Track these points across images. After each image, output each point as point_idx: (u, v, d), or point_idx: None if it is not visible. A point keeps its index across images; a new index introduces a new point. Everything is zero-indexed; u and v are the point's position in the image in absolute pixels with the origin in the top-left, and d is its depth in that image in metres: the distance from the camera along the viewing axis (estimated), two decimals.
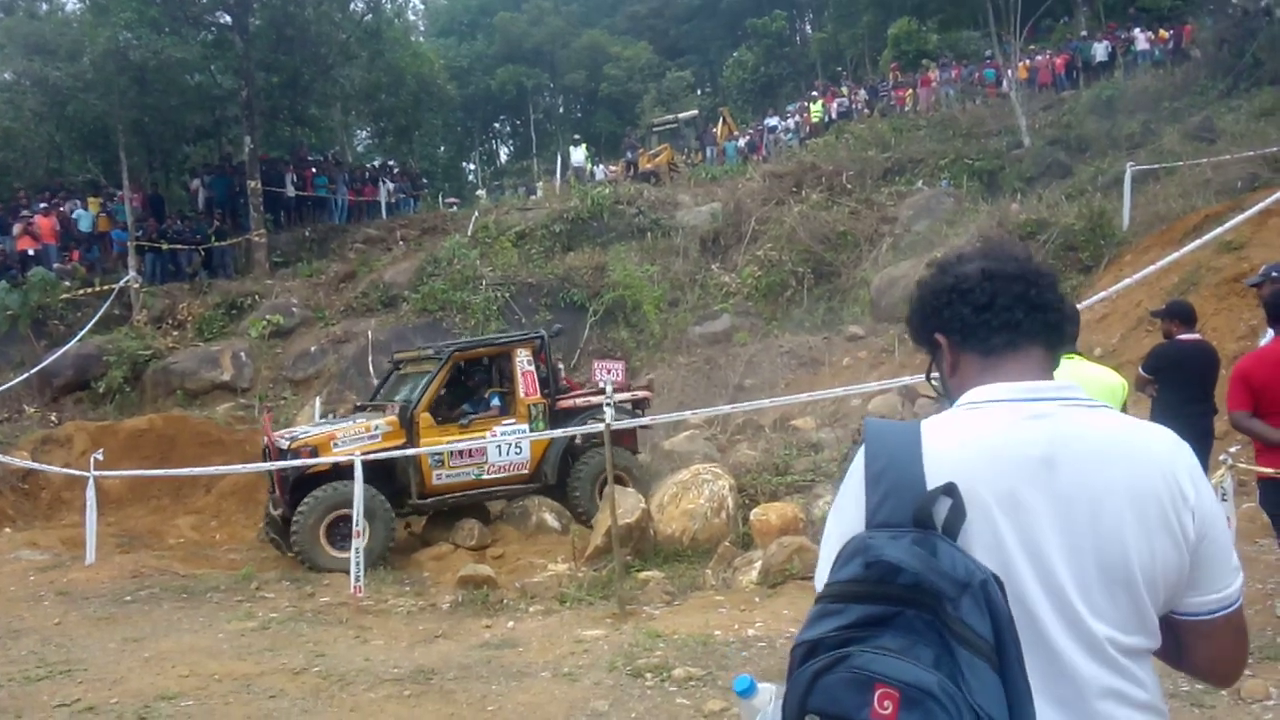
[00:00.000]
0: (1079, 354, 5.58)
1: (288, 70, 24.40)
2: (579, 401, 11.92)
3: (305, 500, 10.49)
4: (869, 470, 1.55)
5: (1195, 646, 1.65)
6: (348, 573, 9.76)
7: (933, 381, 1.86)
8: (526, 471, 11.39)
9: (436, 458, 11.06)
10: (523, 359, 11.55)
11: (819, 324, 17.12)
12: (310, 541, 10.36)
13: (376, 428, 11.19)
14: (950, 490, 1.47)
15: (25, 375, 17.74)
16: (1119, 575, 1.53)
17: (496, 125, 52.74)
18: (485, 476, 11.23)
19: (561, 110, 51.83)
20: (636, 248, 20.34)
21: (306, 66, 24.51)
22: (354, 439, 11.01)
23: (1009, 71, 24.92)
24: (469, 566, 9.79)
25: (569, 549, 10.71)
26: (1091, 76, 27.24)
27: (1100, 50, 27.93)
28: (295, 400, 17.51)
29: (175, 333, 19.86)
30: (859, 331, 15.96)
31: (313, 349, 18.93)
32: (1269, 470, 5.33)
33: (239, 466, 10.64)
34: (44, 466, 12.96)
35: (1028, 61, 27.39)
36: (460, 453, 11.14)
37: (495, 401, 11.64)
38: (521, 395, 11.44)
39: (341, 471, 10.41)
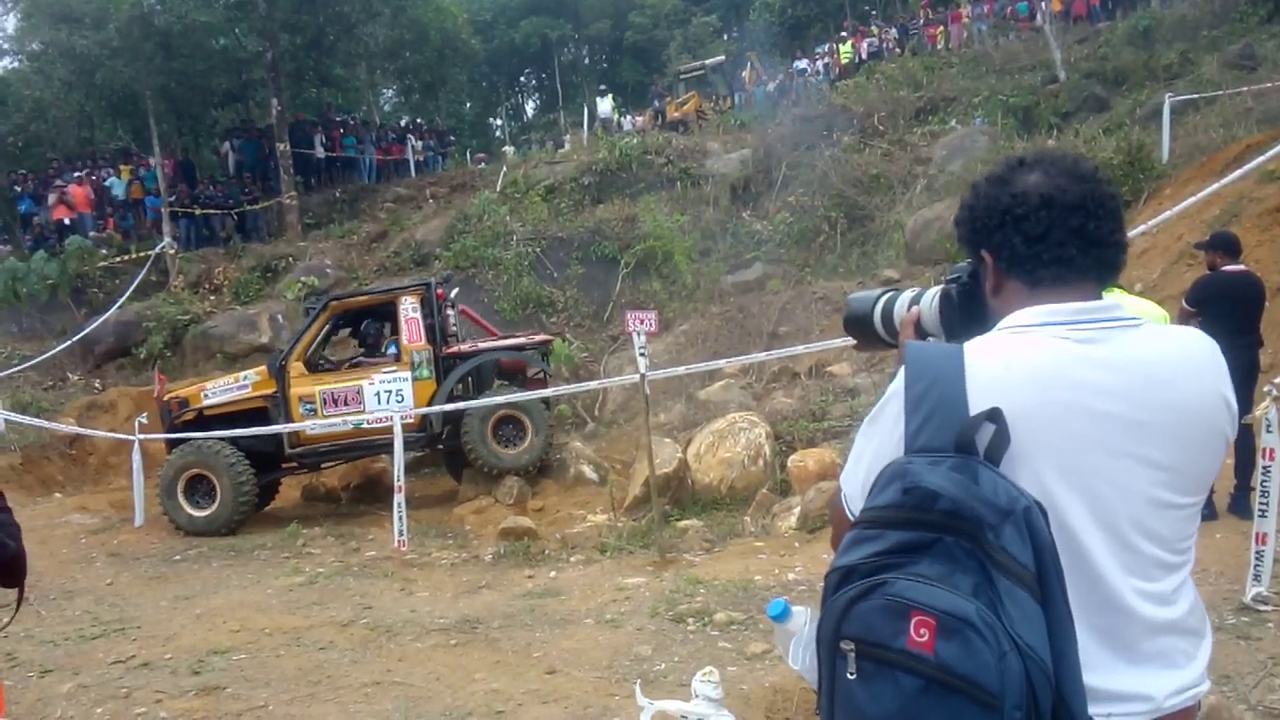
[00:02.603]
0: (1120, 287, 5.49)
1: (311, 30, 24.31)
2: (465, 348, 11.72)
3: (168, 457, 10.69)
4: (909, 393, 1.50)
5: None
6: (209, 535, 10.20)
7: (957, 284, 1.78)
8: (411, 420, 10.83)
9: (308, 406, 10.95)
10: (407, 307, 11.28)
11: (853, 269, 16.93)
12: (169, 500, 10.55)
13: (245, 379, 11.34)
14: (994, 415, 1.44)
15: (68, 343, 18.06)
16: (1165, 496, 1.51)
17: (522, 79, 52.27)
18: (367, 426, 10.88)
19: (587, 61, 51.21)
20: (666, 198, 20.16)
21: (330, 25, 24.42)
22: (223, 390, 11.24)
23: (1043, 4, 24.31)
24: (510, 519, 9.91)
25: (607, 500, 10.80)
26: (1128, 7, 26.52)
27: None
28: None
29: (212, 297, 20.08)
30: (894, 275, 15.77)
31: None
32: None
33: (279, 427, 10.75)
34: (90, 431, 13.21)
35: None
36: (334, 401, 10.99)
37: (392, 350, 11.46)
38: (405, 343, 11.21)
39: (215, 427, 10.73)
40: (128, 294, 19.26)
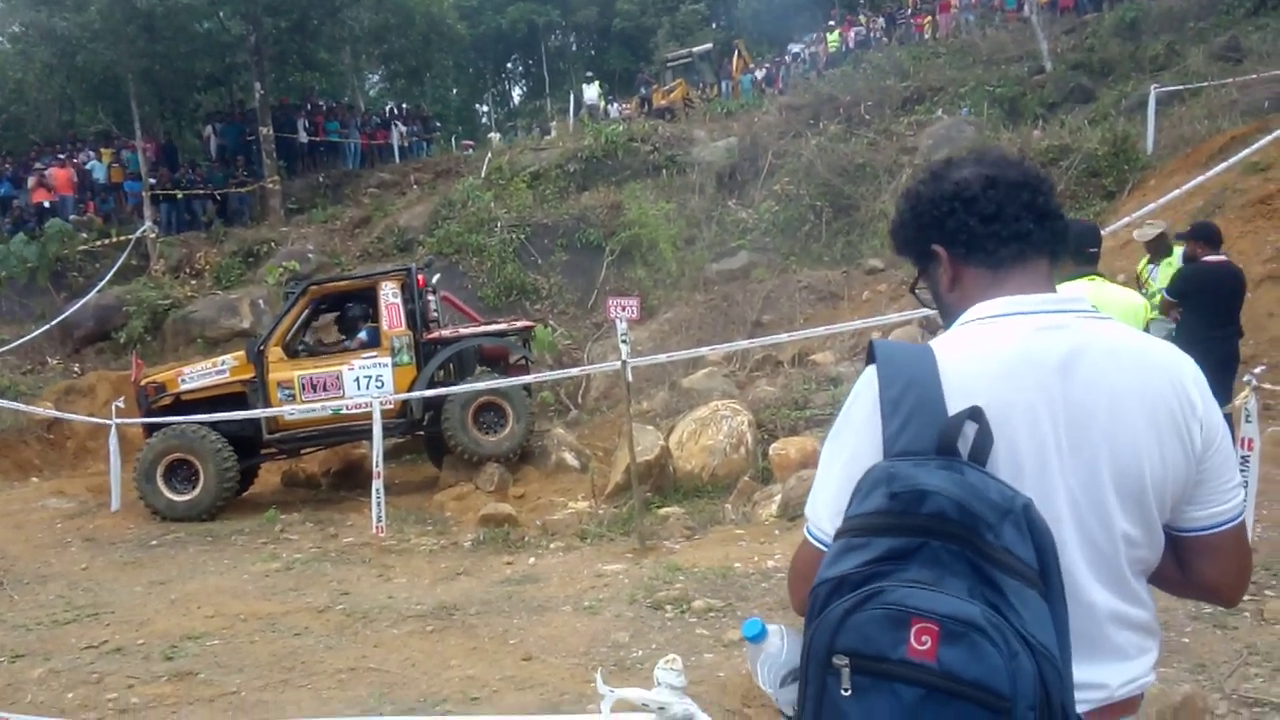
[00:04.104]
0: (1101, 275, 5.48)
1: (295, 13, 24.12)
2: (446, 333, 11.71)
3: (147, 442, 10.61)
4: (884, 395, 1.46)
5: (1198, 564, 1.60)
6: (189, 520, 10.08)
7: (918, 294, 1.79)
8: (391, 407, 10.80)
9: (286, 392, 10.90)
10: (388, 292, 11.22)
11: (838, 258, 16.92)
12: (148, 485, 10.47)
13: (223, 363, 11.29)
14: (976, 414, 1.40)
15: (46, 327, 17.90)
16: (1132, 486, 1.49)
17: (509, 65, 52.05)
18: (346, 412, 10.81)
19: (574, 48, 51.02)
20: (652, 185, 20.11)
21: (314, 9, 24.23)
22: (201, 375, 11.19)
23: None
24: (490, 505, 9.87)
25: (589, 487, 10.77)
26: None
27: None
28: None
29: (193, 281, 19.92)
30: (878, 264, 15.79)
31: None
32: None
33: (258, 412, 10.67)
34: (68, 415, 13.10)
35: None
36: (313, 386, 10.94)
37: (362, 335, 11.41)
38: (385, 329, 11.16)
39: (191, 412, 10.68)
40: (108, 278, 19.09)
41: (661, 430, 10.89)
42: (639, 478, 8.70)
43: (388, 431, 10.58)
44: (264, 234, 21.21)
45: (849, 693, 1.30)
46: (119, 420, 10.98)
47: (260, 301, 18.78)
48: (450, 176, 23.10)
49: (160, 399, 11.06)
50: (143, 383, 11.28)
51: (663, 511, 9.37)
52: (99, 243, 20.41)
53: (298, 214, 22.65)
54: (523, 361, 12.00)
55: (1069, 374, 1.48)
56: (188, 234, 21.67)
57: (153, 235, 20.60)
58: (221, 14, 24.08)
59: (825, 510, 1.53)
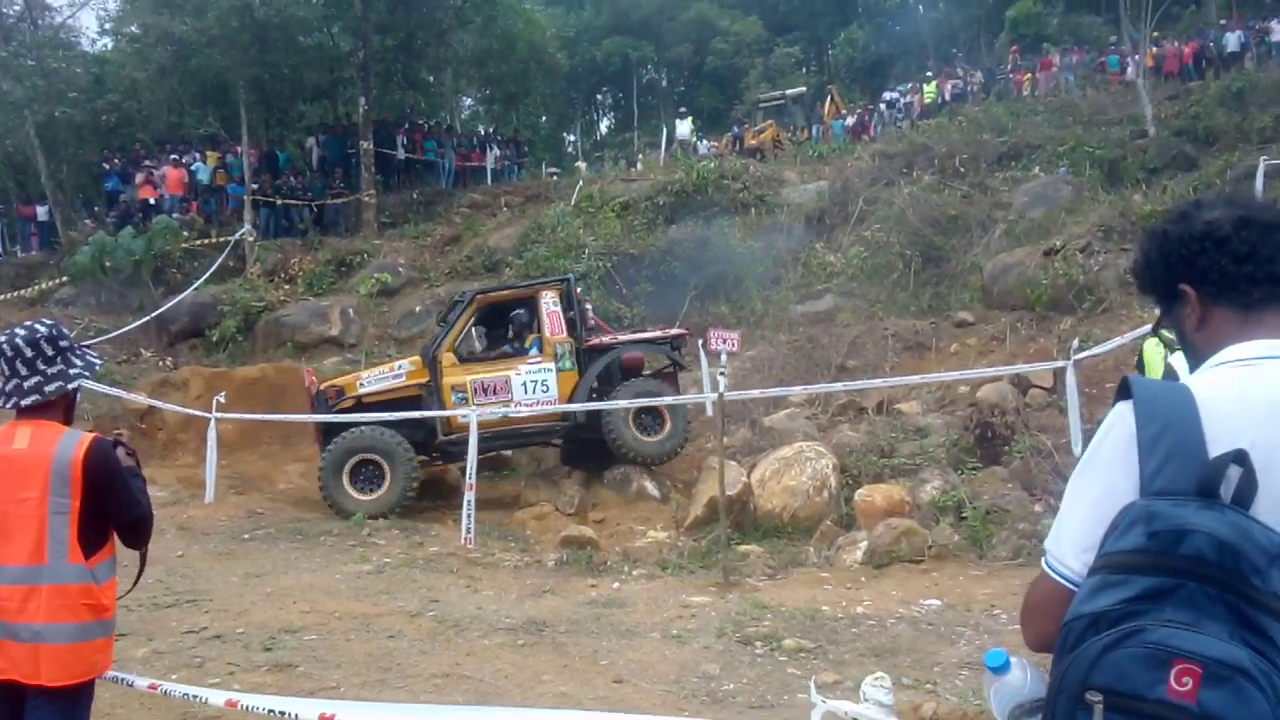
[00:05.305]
0: None
1: (403, 32, 24.77)
2: (605, 340, 12.03)
3: (330, 444, 10.84)
4: (1143, 434, 1.45)
5: None
6: (371, 517, 10.25)
7: (1163, 335, 1.79)
8: (553, 411, 11.35)
9: (460, 395, 11.21)
10: (548, 300, 11.65)
11: (925, 308, 16.78)
12: (333, 485, 10.69)
13: (400, 367, 11.68)
14: (1240, 458, 1.38)
15: (144, 320, 18.48)
16: None
17: (599, 97, 52.76)
18: (514, 415, 11.23)
19: (665, 84, 51.53)
20: (740, 223, 20.17)
21: (421, 30, 24.87)
22: (379, 379, 11.49)
23: (1135, 58, 23.98)
24: (572, 527, 9.96)
25: (667, 517, 10.80)
26: (1221, 67, 26.10)
27: (1232, 40, 26.73)
28: (400, 358, 17.85)
29: (286, 286, 20.44)
30: (968, 318, 15.62)
31: (417, 309, 19.32)
32: None
33: (353, 416, 10.90)
34: (169, 406, 13.46)
35: (1154, 49, 26.34)
36: (484, 390, 11.26)
37: (534, 350, 11.70)
38: (547, 335, 11.53)
39: (386, 420, 10.87)
40: (205, 277, 19.68)
41: (743, 467, 10.88)
42: (723, 512, 8.70)
43: (549, 434, 11.56)
44: (357, 245, 21.72)
45: None
46: (218, 414, 11.27)
47: (350, 310, 19.21)
48: (539, 201, 23.44)
49: (341, 402, 11.37)
50: (321, 387, 11.61)
51: (742, 548, 9.34)
52: (199, 242, 21.07)
53: (390, 228, 23.14)
54: (673, 368, 12.29)
55: None
56: (284, 240, 22.27)
57: (251, 239, 21.22)
58: (333, 30, 24.81)
59: (1070, 546, 1.52)
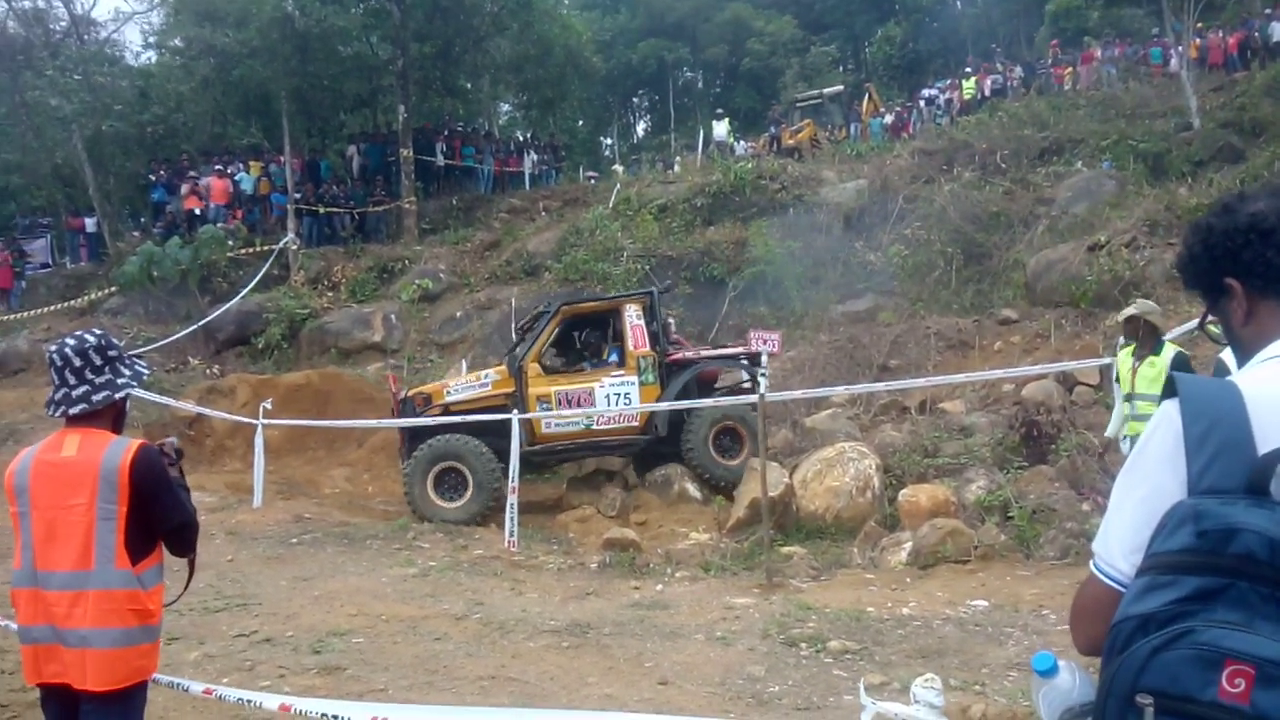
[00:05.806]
0: None
1: (440, 40, 24.99)
2: (688, 354, 12.03)
3: (415, 451, 10.94)
4: (1190, 432, 1.43)
5: None
6: (454, 523, 10.29)
7: (1210, 330, 1.77)
8: (637, 424, 11.47)
9: (544, 405, 11.31)
10: (632, 314, 11.66)
11: (967, 306, 16.62)
12: (419, 491, 10.81)
13: (486, 377, 11.75)
14: None
15: (192, 328, 18.82)
16: None
17: (635, 99, 52.89)
18: (595, 427, 11.36)
19: (701, 85, 51.55)
20: (778, 223, 20.09)
21: (459, 37, 25.08)
22: (465, 388, 11.60)
23: (1179, 49, 23.57)
24: (614, 530, 9.97)
25: (709, 519, 10.79)
26: (1266, 57, 25.57)
27: (1278, 30, 26.17)
28: (441, 363, 18.01)
29: (330, 293, 20.71)
30: (1012, 315, 15.46)
31: (458, 314, 19.49)
32: None
33: (399, 421, 11.04)
34: (216, 413, 13.68)
35: (1198, 40, 25.87)
36: (569, 401, 11.33)
37: (614, 357, 11.77)
38: (631, 349, 11.54)
39: (455, 424, 10.98)
40: (251, 285, 19.97)
41: (785, 468, 10.85)
42: (766, 513, 8.68)
43: (630, 446, 11.59)
44: (399, 251, 21.95)
45: None
46: (266, 420, 11.44)
47: (392, 316, 19.42)
48: (578, 205, 23.52)
49: (430, 409, 11.53)
50: (410, 394, 11.79)
51: (785, 550, 9.31)
52: (244, 251, 21.42)
53: (431, 234, 23.36)
54: (749, 385, 12.19)
55: None
56: (327, 248, 22.58)
57: (294, 247, 21.51)
58: (372, 38, 25.09)
59: (1118, 547, 1.50)
